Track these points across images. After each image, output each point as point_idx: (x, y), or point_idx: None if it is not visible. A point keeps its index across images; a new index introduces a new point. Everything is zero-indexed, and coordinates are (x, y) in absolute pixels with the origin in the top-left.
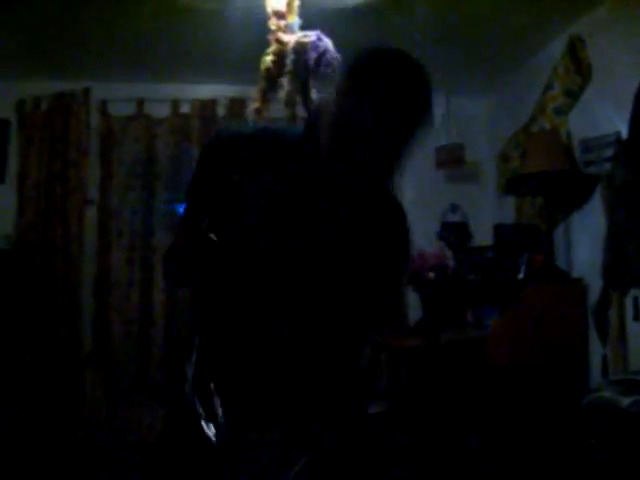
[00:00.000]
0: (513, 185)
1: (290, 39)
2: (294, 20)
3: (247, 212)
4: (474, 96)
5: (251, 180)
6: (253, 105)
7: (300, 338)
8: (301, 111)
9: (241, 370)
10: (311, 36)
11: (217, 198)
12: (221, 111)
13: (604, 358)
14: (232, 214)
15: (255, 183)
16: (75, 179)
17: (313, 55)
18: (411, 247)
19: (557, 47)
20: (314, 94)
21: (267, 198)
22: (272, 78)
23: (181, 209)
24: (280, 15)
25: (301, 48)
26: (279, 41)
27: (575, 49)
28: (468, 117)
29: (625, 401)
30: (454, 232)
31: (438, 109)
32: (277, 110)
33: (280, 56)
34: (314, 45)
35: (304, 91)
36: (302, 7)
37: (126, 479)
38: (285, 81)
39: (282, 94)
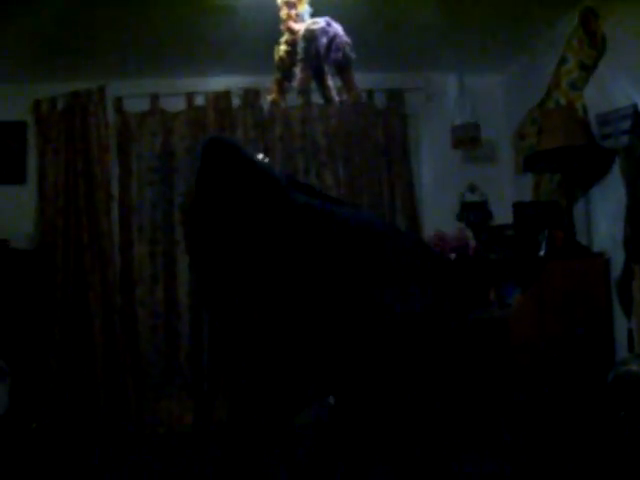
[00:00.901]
0: (531, 162)
1: (301, 27)
2: (304, 9)
3: None
4: (488, 74)
5: None
6: (269, 96)
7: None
8: (317, 98)
9: None
10: (320, 22)
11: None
12: (236, 102)
13: (629, 332)
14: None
15: None
16: (100, 176)
17: (323, 41)
18: None
19: (570, 20)
20: (329, 80)
21: None
22: (286, 68)
23: None
24: (291, 4)
25: (311, 35)
26: (290, 30)
27: (588, 21)
28: (483, 96)
29: None
30: (474, 212)
31: (451, 89)
32: (293, 99)
33: (293, 45)
34: (324, 31)
35: (319, 78)
36: None
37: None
38: (298, 69)
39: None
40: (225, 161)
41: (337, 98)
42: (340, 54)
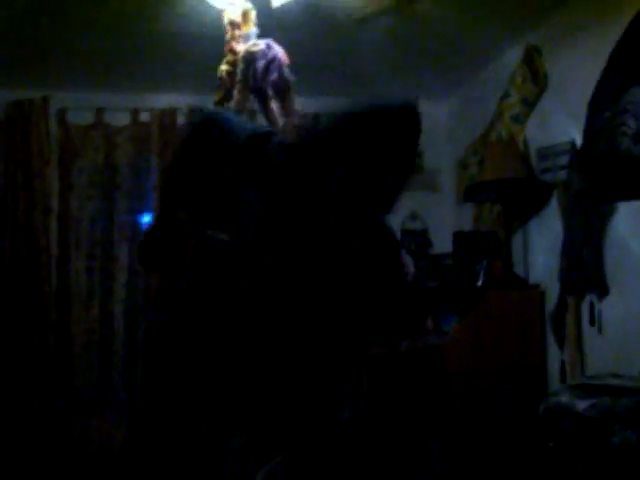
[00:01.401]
0: (472, 192)
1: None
2: (250, 30)
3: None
4: (432, 102)
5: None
6: None
7: (281, 344)
8: (262, 121)
9: (220, 373)
10: (260, 44)
11: (205, 198)
12: (181, 119)
13: (562, 363)
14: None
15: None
16: (40, 189)
17: (261, 63)
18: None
19: (515, 55)
20: (273, 103)
21: (255, 220)
22: (227, 88)
23: (143, 219)
24: (235, 25)
25: (250, 57)
26: (232, 51)
27: (532, 58)
28: (427, 123)
29: (582, 405)
30: (414, 240)
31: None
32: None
33: (234, 66)
34: (263, 53)
35: (262, 101)
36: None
37: None
38: (235, 90)
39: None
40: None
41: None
42: (277, 76)
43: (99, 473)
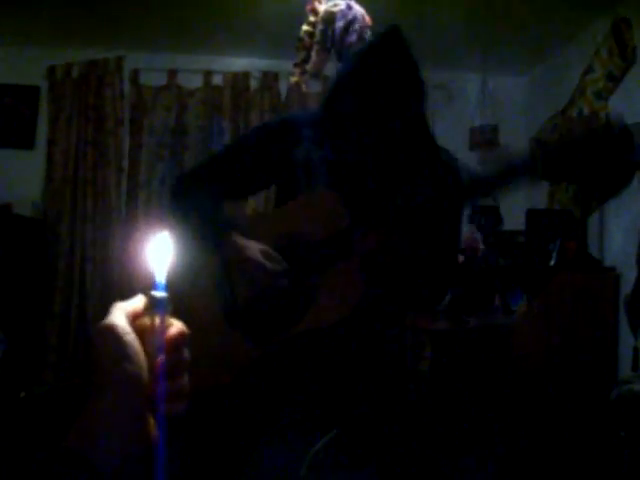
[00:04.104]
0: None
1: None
2: None
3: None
4: (511, 77)
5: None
6: (292, 78)
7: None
8: None
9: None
10: (340, 5)
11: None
12: (254, 84)
13: (635, 350)
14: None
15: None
16: (112, 148)
17: (340, 24)
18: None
19: (600, 28)
20: None
21: (330, 168)
22: (307, 50)
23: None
24: None
25: (329, 17)
26: (314, 11)
27: (620, 30)
28: (504, 98)
29: None
30: (485, 216)
31: (473, 89)
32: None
33: (315, 27)
34: (342, 13)
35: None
36: None
37: None
38: (313, 52)
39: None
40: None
41: None
42: (355, 38)
43: None
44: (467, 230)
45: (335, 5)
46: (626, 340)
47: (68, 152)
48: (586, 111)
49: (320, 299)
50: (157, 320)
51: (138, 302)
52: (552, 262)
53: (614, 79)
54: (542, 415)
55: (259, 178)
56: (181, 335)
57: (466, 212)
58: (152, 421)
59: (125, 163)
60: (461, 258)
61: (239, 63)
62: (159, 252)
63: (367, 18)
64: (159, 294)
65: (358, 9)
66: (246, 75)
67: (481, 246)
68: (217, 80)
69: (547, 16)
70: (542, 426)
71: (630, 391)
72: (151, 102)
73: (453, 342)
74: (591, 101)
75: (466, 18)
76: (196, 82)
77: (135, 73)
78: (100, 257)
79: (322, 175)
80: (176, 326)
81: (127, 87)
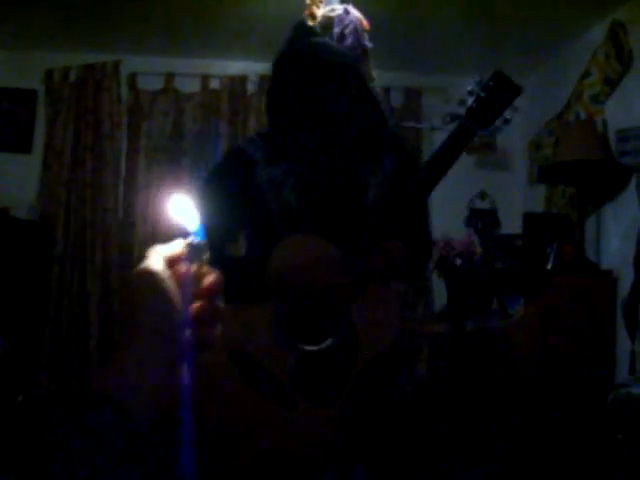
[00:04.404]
0: (545, 173)
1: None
2: None
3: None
4: None
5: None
6: None
7: None
8: None
9: None
10: (338, 10)
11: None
12: (251, 88)
13: (632, 354)
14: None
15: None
16: (110, 152)
17: (337, 29)
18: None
19: (597, 33)
20: None
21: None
22: None
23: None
24: None
25: (327, 22)
26: (312, 15)
27: (616, 35)
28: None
29: None
30: (482, 219)
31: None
32: None
33: None
34: (340, 18)
35: None
36: None
37: None
38: None
39: None
40: None
41: None
42: (352, 42)
43: None
44: (464, 234)
45: (333, 10)
46: (623, 343)
47: (65, 156)
48: (583, 115)
49: (360, 336)
50: (194, 267)
51: (176, 247)
52: (549, 265)
53: (611, 83)
54: (539, 418)
55: (234, 215)
56: (216, 284)
57: (464, 215)
58: (182, 369)
59: (122, 167)
60: (458, 261)
61: (236, 67)
62: (183, 208)
63: (365, 23)
64: (196, 240)
65: (356, 14)
66: (243, 79)
67: (478, 249)
68: (214, 84)
69: (544, 20)
70: (539, 429)
71: (627, 394)
72: (148, 106)
73: (450, 345)
74: (587, 105)
75: (463, 22)
76: (193, 86)
77: (132, 77)
78: (97, 261)
79: (289, 192)
80: (212, 274)
81: (124, 91)
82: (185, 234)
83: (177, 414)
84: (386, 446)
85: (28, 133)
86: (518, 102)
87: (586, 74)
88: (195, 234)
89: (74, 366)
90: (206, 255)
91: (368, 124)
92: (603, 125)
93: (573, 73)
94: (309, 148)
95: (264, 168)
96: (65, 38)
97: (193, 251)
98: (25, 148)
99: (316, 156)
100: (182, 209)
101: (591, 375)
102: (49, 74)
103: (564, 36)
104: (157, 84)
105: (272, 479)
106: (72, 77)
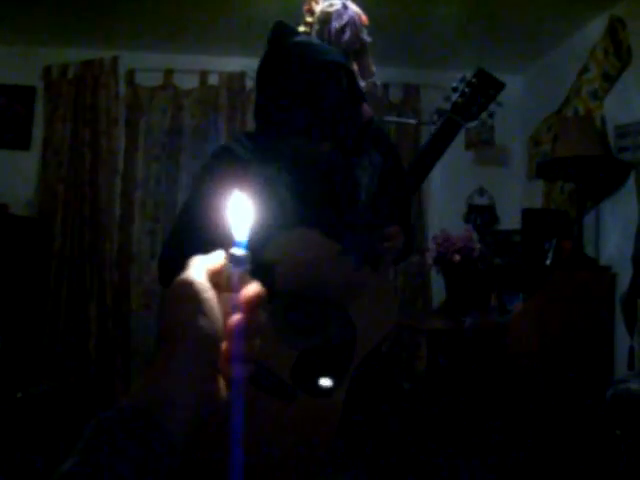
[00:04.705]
0: (544, 169)
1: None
2: None
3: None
4: (506, 76)
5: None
6: None
7: None
8: None
9: None
10: (336, 5)
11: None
12: (250, 84)
13: (631, 349)
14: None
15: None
16: (106, 149)
17: (335, 24)
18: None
19: (595, 28)
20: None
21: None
22: None
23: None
24: None
25: (325, 17)
26: (311, 11)
27: (615, 30)
28: (500, 98)
29: None
30: (481, 215)
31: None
32: None
33: (311, 27)
34: (338, 13)
35: None
36: None
37: None
38: None
39: None
40: None
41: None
42: (350, 36)
43: None
44: (463, 230)
45: (331, 5)
46: (622, 339)
47: (63, 152)
48: (581, 111)
49: (359, 327)
50: (235, 278)
51: (218, 258)
52: (548, 261)
53: (609, 79)
54: (538, 414)
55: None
56: (258, 296)
57: (462, 211)
58: (221, 383)
59: (121, 163)
60: (457, 257)
61: (235, 63)
62: (238, 211)
63: (363, 17)
64: (239, 252)
65: (354, 8)
66: (242, 75)
67: (477, 245)
68: (213, 80)
69: (543, 16)
70: (538, 425)
71: (626, 390)
72: (147, 102)
73: (449, 341)
74: (586, 101)
75: (462, 18)
76: (192, 82)
77: (131, 73)
78: (95, 258)
79: (282, 189)
80: (254, 286)
81: (123, 87)
82: (228, 244)
83: (213, 432)
84: (383, 441)
85: (26, 129)
86: (517, 98)
87: (585, 70)
88: (237, 245)
89: (72, 362)
90: (248, 266)
91: (357, 119)
92: (602, 121)
93: (572, 69)
94: (301, 147)
95: (256, 167)
96: (64, 34)
97: (235, 262)
98: (23, 144)
99: (309, 153)
100: (238, 211)
101: (590, 371)
102: (47, 70)
103: (563, 32)
104: (155, 80)
105: (270, 478)
106: (70, 73)
